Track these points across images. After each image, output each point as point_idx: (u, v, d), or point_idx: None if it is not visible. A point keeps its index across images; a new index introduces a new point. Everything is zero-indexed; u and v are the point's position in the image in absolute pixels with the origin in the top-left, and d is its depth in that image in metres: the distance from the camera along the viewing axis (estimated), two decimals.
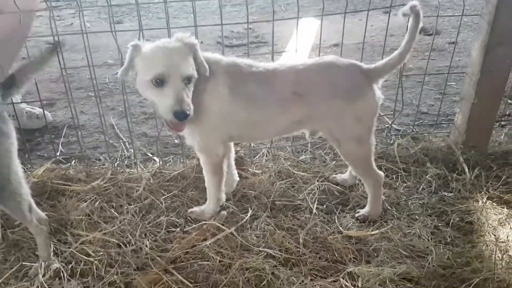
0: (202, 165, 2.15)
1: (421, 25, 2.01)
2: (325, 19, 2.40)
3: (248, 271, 1.84)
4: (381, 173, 2.18)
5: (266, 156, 2.70)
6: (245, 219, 2.15)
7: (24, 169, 2.55)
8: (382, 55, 2.65)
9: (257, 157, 2.68)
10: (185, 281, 1.81)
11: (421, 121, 3.09)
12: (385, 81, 2.10)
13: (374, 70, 2.02)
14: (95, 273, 1.84)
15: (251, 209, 2.22)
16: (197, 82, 1.88)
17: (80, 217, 2.11)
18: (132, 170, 2.54)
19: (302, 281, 1.80)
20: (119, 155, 2.73)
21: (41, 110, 3.06)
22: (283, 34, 4.54)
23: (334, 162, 2.60)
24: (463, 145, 2.55)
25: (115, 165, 2.59)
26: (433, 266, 1.83)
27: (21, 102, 2.98)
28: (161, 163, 2.57)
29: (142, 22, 2.38)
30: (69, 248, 1.95)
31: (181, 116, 1.76)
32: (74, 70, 3.91)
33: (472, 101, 2.45)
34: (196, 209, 2.22)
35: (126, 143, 2.85)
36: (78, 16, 5.54)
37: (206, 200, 2.23)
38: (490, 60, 2.32)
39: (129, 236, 2.01)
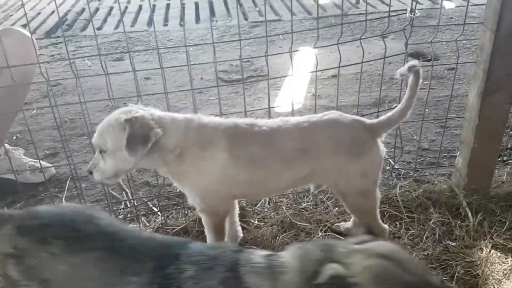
0: (204, 224, 2.16)
1: (421, 81, 2.02)
2: (322, 48, 2.39)
3: None
4: (386, 226, 2.18)
5: (268, 204, 2.70)
6: None
7: None
8: (381, 87, 2.68)
9: (258, 206, 2.69)
10: None
11: (422, 159, 3.08)
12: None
13: (377, 125, 2.04)
14: None
15: None
16: (194, 149, 1.92)
17: None
18: (134, 225, 2.56)
19: None
20: (121, 209, 2.75)
21: (44, 163, 3.11)
22: (281, 65, 4.56)
23: (336, 208, 2.60)
24: (464, 189, 2.54)
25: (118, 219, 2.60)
26: None
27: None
28: (163, 218, 2.58)
29: (143, 58, 2.37)
30: None
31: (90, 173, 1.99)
32: (76, 115, 3.96)
33: (471, 145, 2.45)
34: None
35: (129, 194, 2.87)
36: (78, 54, 5.61)
37: None
38: (488, 106, 2.32)
39: None
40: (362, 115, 2.93)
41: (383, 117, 2.06)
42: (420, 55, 4.73)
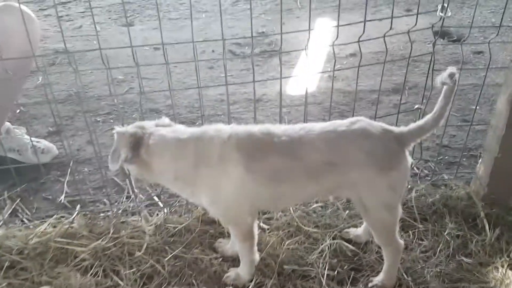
0: (231, 234, 2.13)
1: (455, 89, 1.82)
2: (342, 20, 2.18)
3: None
4: (402, 242, 2.05)
5: None
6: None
7: (28, 219, 2.54)
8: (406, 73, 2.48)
9: None
10: None
11: (441, 157, 2.92)
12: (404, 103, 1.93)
13: (407, 135, 1.87)
14: None
15: (256, 275, 2.13)
16: (205, 166, 1.83)
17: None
18: (135, 219, 2.47)
19: None
20: (123, 199, 2.67)
21: (47, 143, 3.03)
22: (297, 39, 4.32)
23: (347, 211, 2.49)
24: (483, 200, 2.41)
25: (119, 212, 2.52)
26: None
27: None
28: (166, 212, 2.49)
29: (152, 24, 2.18)
30: None
31: None
32: (82, 88, 3.82)
33: (495, 155, 2.29)
34: (231, 273, 2.14)
35: (132, 183, 2.77)
36: (87, 16, 5.40)
37: (210, 258, 2.20)
38: None
39: None
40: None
41: (413, 126, 1.88)
42: (445, 34, 4.44)
